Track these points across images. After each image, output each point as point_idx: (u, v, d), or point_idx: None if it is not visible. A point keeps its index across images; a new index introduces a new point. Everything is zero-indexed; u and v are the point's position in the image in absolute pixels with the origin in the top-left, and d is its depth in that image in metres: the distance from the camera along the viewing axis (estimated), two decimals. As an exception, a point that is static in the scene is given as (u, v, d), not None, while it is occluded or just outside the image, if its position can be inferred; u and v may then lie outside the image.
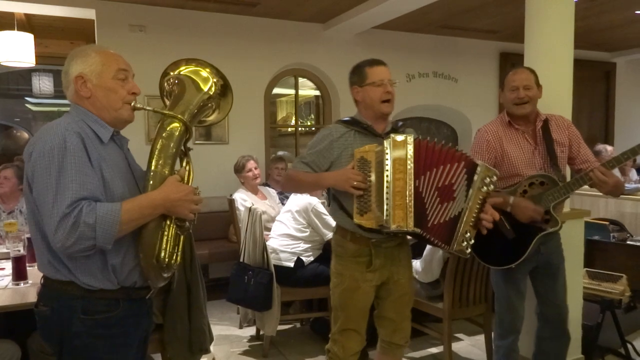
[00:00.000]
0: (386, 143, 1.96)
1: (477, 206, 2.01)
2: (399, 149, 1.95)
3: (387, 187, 1.93)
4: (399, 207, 1.93)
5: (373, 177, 2.02)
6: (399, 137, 1.97)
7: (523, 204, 2.30)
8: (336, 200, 2.20)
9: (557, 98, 2.86)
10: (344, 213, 2.16)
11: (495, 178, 2.04)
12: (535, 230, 2.31)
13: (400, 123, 2.28)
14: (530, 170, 2.39)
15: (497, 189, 2.40)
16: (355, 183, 2.01)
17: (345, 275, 2.19)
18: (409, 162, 1.94)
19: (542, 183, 2.33)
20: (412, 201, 1.93)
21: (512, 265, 2.34)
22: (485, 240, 2.41)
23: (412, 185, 1.94)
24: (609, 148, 5.59)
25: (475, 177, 2.00)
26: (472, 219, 2.01)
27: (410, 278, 2.30)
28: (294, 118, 5.94)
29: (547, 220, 2.30)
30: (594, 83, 7.07)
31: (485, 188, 2.01)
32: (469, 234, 2.01)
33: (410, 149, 1.95)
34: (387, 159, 1.94)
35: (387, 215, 1.93)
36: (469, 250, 2.02)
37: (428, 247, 3.03)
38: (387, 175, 1.94)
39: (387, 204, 1.93)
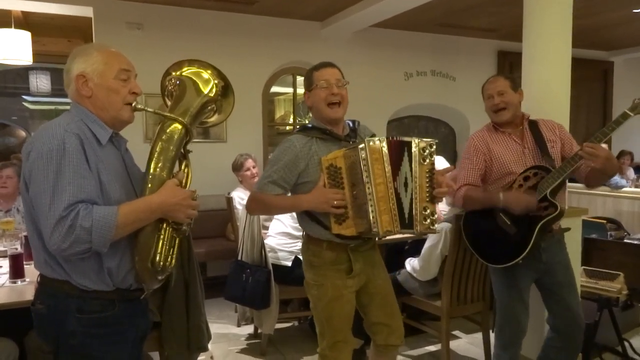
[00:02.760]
0: (363, 150, 1.92)
1: (427, 180, 1.95)
2: (376, 154, 1.92)
3: (369, 194, 1.91)
4: (385, 212, 1.92)
5: (346, 184, 1.99)
6: (375, 142, 1.93)
7: (513, 195, 2.30)
8: (307, 214, 2.11)
9: (554, 97, 2.87)
10: (319, 225, 2.08)
11: (434, 147, 1.96)
12: (535, 219, 2.29)
13: (357, 122, 2.21)
14: (521, 167, 2.39)
15: (492, 189, 2.42)
16: (335, 202, 1.98)
17: (326, 285, 2.10)
18: (386, 165, 1.92)
19: (535, 174, 2.33)
20: (395, 203, 1.93)
21: (519, 259, 2.30)
22: (487, 240, 2.41)
23: (392, 187, 1.93)
24: (604, 146, 5.61)
25: (413, 152, 1.94)
26: (427, 195, 1.96)
27: (386, 277, 2.27)
28: (291, 116, 5.94)
29: (546, 207, 2.30)
30: (592, 82, 7.08)
31: (427, 160, 1.96)
32: (428, 210, 1.96)
33: (385, 152, 1.92)
34: (365, 165, 1.91)
35: (374, 222, 1.91)
36: (435, 226, 1.98)
37: (426, 245, 3.04)
38: (367, 182, 1.91)
39: (372, 211, 1.90)
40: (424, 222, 1.96)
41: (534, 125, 2.45)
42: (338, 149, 2.04)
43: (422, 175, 1.95)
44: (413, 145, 1.95)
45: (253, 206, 2.16)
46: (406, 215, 1.96)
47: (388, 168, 1.92)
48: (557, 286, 2.43)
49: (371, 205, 1.91)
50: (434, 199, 1.97)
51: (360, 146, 1.92)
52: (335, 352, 2.14)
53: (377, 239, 2.04)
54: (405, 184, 1.96)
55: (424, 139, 1.97)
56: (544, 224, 2.28)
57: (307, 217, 2.12)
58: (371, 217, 1.91)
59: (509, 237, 2.34)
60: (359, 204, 1.95)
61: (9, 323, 2.33)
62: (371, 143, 1.92)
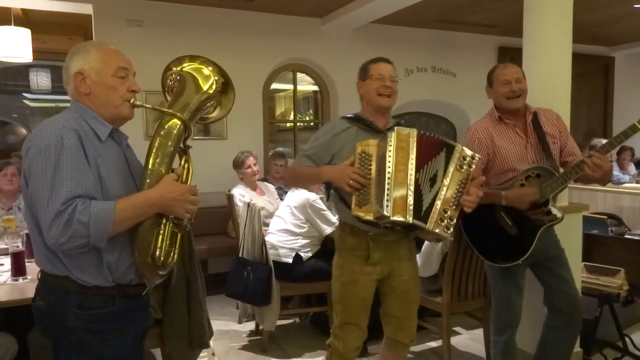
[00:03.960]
0: (390, 135, 2.00)
1: (457, 186, 2.01)
2: (403, 142, 2.00)
3: (388, 178, 1.96)
4: (400, 199, 1.95)
5: (374, 171, 2.04)
6: (404, 131, 2.01)
7: (517, 192, 2.30)
8: (337, 191, 2.23)
9: (555, 92, 2.87)
10: (344, 204, 2.18)
11: (476, 159, 2.05)
12: (537, 224, 2.31)
13: (403, 121, 2.29)
14: (523, 164, 2.39)
15: (492, 187, 2.42)
16: (351, 181, 2.02)
17: (344, 268, 2.22)
18: (411, 155, 1.98)
19: (538, 175, 2.33)
20: (412, 194, 1.96)
21: (519, 261, 2.33)
22: (487, 238, 2.41)
23: (413, 178, 1.97)
24: (604, 142, 5.62)
25: (453, 156, 2.03)
26: (453, 199, 2.00)
27: (414, 275, 2.28)
28: (292, 113, 5.94)
29: (548, 213, 2.30)
30: (593, 77, 7.06)
31: (465, 167, 2.02)
32: (448, 212, 1.99)
33: (413, 143, 2.00)
34: (390, 151, 1.98)
35: (387, 206, 1.94)
36: (450, 230, 1.99)
37: (426, 242, 3.04)
38: (389, 167, 1.97)
39: (387, 195, 1.95)
40: (439, 222, 1.99)
41: (535, 119, 2.45)
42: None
43: (455, 180, 2.02)
44: (456, 150, 2.04)
45: (287, 175, 2.42)
46: (423, 208, 1.99)
47: (413, 158, 1.98)
48: (550, 262, 2.47)
49: (387, 189, 1.95)
50: (458, 206, 2.01)
51: (391, 132, 2.01)
52: (344, 332, 2.22)
53: (388, 227, 2.05)
54: (433, 180, 2.01)
55: (468, 150, 2.07)
56: (545, 228, 2.30)
57: (337, 196, 2.23)
58: (385, 199, 1.94)
59: (509, 237, 2.35)
60: (381, 190, 1.98)
61: (12, 319, 2.35)
62: (400, 131, 2.01)
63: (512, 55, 6.23)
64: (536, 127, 2.42)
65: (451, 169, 2.02)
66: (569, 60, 2.95)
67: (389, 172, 1.96)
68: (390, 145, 1.98)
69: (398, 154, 1.98)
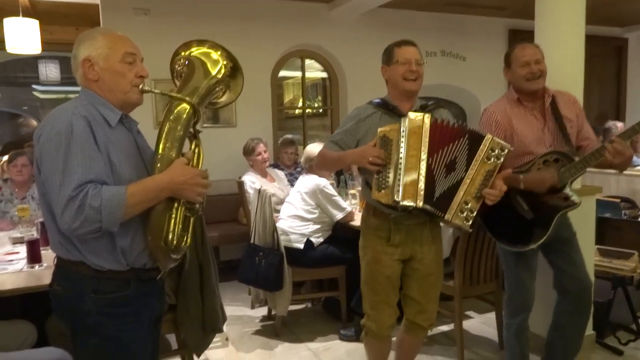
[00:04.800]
0: (404, 121, 2.01)
1: (482, 178, 1.99)
2: (415, 127, 2.00)
3: (400, 162, 1.98)
4: (411, 184, 1.97)
5: (394, 155, 2.04)
6: (417, 115, 2.01)
7: (536, 176, 2.27)
8: (362, 174, 2.30)
9: (568, 75, 2.82)
10: (368, 188, 2.21)
11: (505, 151, 2.00)
12: (554, 209, 2.29)
13: (431, 102, 2.28)
14: (540, 148, 2.36)
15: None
16: (371, 159, 2.03)
17: (368, 248, 2.27)
18: (424, 139, 1.98)
19: (556, 160, 2.30)
20: (424, 178, 1.96)
21: (534, 246, 2.32)
22: (502, 222, 2.39)
23: (425, 163, 1.97)
24: (619, 124, 5.54)
25: (481, 147, 2.00)
26: (475, 190, 1.99)
27: (436, 260, 2.29)
28: (300, 100, 5.92)
29: (566, 198, 2.28)
30: (605, 59, 6.94)
31: (492, 160, 1.99)
32: (469, 204, 1.98)
33: (426, 128, 1.99)
34: (402, 136, 1.99)
35: (397, 191, 1.97)
36: (470, 222, 1.99)
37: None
38: (401, 152, 1.98)
39: (398, 180, 1.97)
40: (459, 214, 1.99)
41: (553, 102, 2.40)
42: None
43: (481, 172, 1.99)
44: (486, 140, 2.00)
45: (317, 160, 2.49)
46: (435, 194, 1.99)
47: (425, 143, 1.98)
48: (562, 244, 2.45)
49: (399, 174, 1.97)
50: (480, 198, 1.99)
51: (403, 117, 2.02)
52: (376, 311, 2.27)
53: (406, 211, 2.05)
54: (450, 167, 2.00)
55: (499, 140, 2.02)
56: (562, 214, 2.28)
57: (364, 180, 2.30)
58: (396, 184, 1.97)
59: (524, 221, 2.33)
60: (395, 175, 2.00)
61: (30, 307, 2.39)
62: (413, 116, 2.01)
63: (522, 38, 6.11)
64: (554, 110, 2.39)
65: (477, 159, 1.99)
66: (581, 42, 2.89)
67: (401, 158, 1.98)
68: (403, 131, 2.00)
69: (410, 139, 1.99)
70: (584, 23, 2.89)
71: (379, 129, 2.09)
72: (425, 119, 2.00)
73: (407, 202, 1.97)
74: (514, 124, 2.38)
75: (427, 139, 1.99)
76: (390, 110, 2.20)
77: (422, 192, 1.96)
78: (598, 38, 6.51)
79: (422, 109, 2.20)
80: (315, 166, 2.51)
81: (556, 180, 2.25)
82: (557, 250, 2.47)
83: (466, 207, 1.98)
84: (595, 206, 3.09)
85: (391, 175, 2.03)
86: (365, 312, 2.33)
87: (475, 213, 1.99)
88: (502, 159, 1.99)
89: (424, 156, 1.98)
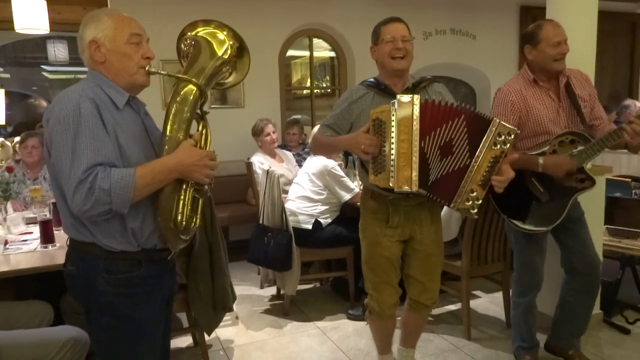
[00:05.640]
0: (392, 103, 1.96)
1: (488, 165, 1.92)
2: (405, 110, 1.94)
3: (392, 148, 1.95)
4: (404, 169, 1.94)
5: (387, 137, 2.00)
6: (405, 98, 1.94)
7: (556, 160, 2.26)
8: (360, 161, 2.25)
9: (580, 53, 2.77)
10: (364, 171, 2.19)
11: (512, 136, 1.91)
12: (570, 190, 2.28)
13: (428, 76, 2.24)
14: (556, 128, 2.34)
15: (524, 151, 2.36)
16: (363, 147, 2.00)
17: (367, 230, 2.27)
18: (414, 123, 1.94)
19: (572, 141, 2.28)
20: (417, 163, 1.94)
21: (549, 227, 2.32)
22: (516, 203, 2.36)
23: (418, 146, 1.94)
24: (638, 104, 5.46)
25: (487, 133, 1.91)
26: (481, 178, 1.94)
27: (436, 240, 2.28)
28: (308, 80, 5.88)
29: (582, 180, 2.27)
30: (618, 36, 6.80)
31: (498, 146, 1.91)
32: (475, 193, 1.95)
33: (416, 110, 1.93)
34: (392, 120, 1.95)
35: (392, 177, 1.95)
36: (475, 210, 1.97)
37: (445, 207, 3.03)
38: (392, 137, 1.95)
39: (392, 166, 1.95)
40: (465, 203, 1.97)
41: (568, 82, 2.38)
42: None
43: (486, 159, 1.92)
44: (492, 126, 1.90)
45: (313, 144, 2.43)
46: (430, 177, 1.97)
47: (417, 125, 1.93)
48: (572, 222, 2.44)
49: (392, 160, 1.95)
50: (486, 185, 1.94)
51: (393, 101, 1.96)
52: (377, 291, 2.30)
53: (400, 194, 2.04)
54: (446, 148, 1.94)
55: (506, 124, 1.92)
56: (577, 195, 2.28)
57: (359, 163, 2.27)
58: (390, 171, 1.96)
59: (539, 202, 2.32)
60: (389, 160, 1.98)
61: (45, 287, 2.44)
62: (402, 99, 1.94)
63: (534, 14, 6.03)
64: (568, 90, 2.36)
65: (484, 145, 1.91)
66: (594, 18, 2.84)
67: (392, 142, 1.95)
68: (393, 115, 1.94)
69: (401, 122, 1.94)
70: (597, -2, 2.83)
71: (371, 111, 2.05)
72: (414, 100, 1.93)
73: (403, 188, 1.96)
74: (531, 103, 2.34)
75: (417, 122, 1.93)
76: (382, 90, 2.17)
77: (415, 178, 1.94)
78: (611, 14, 6.37)
79: (414, 87, 2.16)
80: (313, 151, 2.48)
81: (574, 166, 2.24)
82: (567, 229, 2.46)
83: (472, 195, 1.95)
84: (605, 185, 3.07)
85: (387, 158, 2.00)
86: (367, 292, 2.35)
87: (480, 200, 1.96)
88: (508, 145, 1.91)
89: (415, 140, 1.93)
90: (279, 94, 5.27)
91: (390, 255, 2.24)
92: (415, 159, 1.94)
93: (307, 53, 5.69)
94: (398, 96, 1.96)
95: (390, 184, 1.96)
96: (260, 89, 5.02)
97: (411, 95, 1.96)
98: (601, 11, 2.93)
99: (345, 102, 2.22)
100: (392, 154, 1.95)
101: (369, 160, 2.05)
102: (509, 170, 1.95)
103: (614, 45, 6.70)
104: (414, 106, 1.94)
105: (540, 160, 2.26)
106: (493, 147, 1.92)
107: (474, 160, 1.93)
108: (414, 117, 1.93)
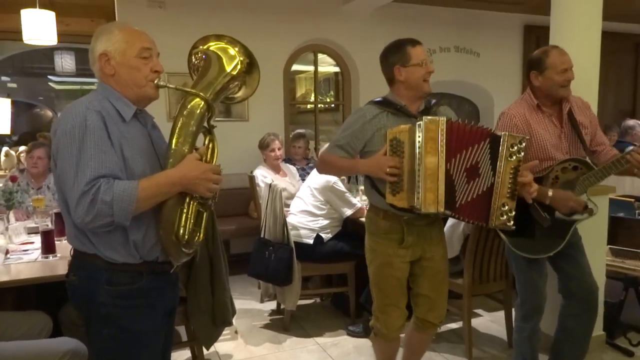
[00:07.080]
0: (418, 125, 1.97)
1: (510, 176, 1.99)
2: (431, 131, 1.95)
3: (418, 169, 1.95)
4: (430, 190, 1.95)
5: (406, 158, 2.01)
6: (432, 119, 1.97)
7: (564, 195, 2.26)
8: (368, 179, 2.22)
9: (583, 73, 2.78)
10: (376, 192, 2.17)
11: (523, 144, 1.99)
12: (572, 217, 2.28)
13: (434, 101, 2.25)
14: (558, 154, 2.34)
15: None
16: (388, 170, 2.01)
17: (379, 252, 2.23)
18: (440, 144, 1.95)
19: (575, 167, 2.29)
20: (444, 184, 1.95)
21: (550, 254, 2.32)
22: (518, 228, 2.36)
23: (444, 167, 1.95)
24: None
25: (501, 148, 1.98)
26: (508, 191, 1.99)
27: (444, 256, 2.29)
28: (313, 95, 5.92)
29: (585, 207, 2.27)
30: (622, 56, 6.84)
31: (514, 157, 1.98)
32: (506, 206, 2.00)
33: (442, 131, 1.95)
34: (418, 141, 1.95)
35: (417, 199, 1.96)
36: (512, 222, 2.01)
37: (448, 223, 3.02)
38: (418, 158, 1.95)
39: (418, 187, 1.95)
40: (500, 218, 2.00)
41: (569, 108, 2.39)
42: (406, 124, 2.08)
43: (507, 171, 1.99)
44: (503, 140, 1.98)
45: (321, 165, 2.36)
46: (457, 199, 1.99)
47: (442, 148, 1.94)
48: (570, 248, 2.42)
49: (419, 181, 1.96)
50: (514, 195, 2.00)
51: (419, 123, 1.97)
52: (385, 314, 2.27)
53: (420, 214, 2.05)
54: (472, 171, 1.99)
55: (515, 135, 2.01)
56: (578, 222, 2.28)
57: (368, 184, 2.23)
58: (416, 193, 1.96)
59: (540, 227, 2.31)
60: (414, 178, 1.99)
61: (44, 297, 2.43)
62: (427, 121, 1.96)
63: (538, 34, 6.07)
64: (571, 117, 2.37)
65: (501, 159, 1.98)
66: (598, 38, 2.86)
67: (418, 164, 1.95)
68: (419, 137, 1.95)
69: (427, 144, 1.95)
70: (600, 19, 2.85)
71: (389, 130, 2.06)
72: (440, 121, 1.96)
73: (430, 210, 1.96)
74: (534, 128, 2.35)
75: (444, 144, 1.95)
76: (398, 110, 2.15)
77: (442, 198, 1.95)
78: (615, 34, 6.40)
79: (427, 108, 2.18)
80: (318, 171, 2.46)
81: (580, 207, 2.26)
82: (565, 255, 2.44)
83: (504, 209, 2.00)
84: (609, 205, 3.06)
85: (405, 178, 2.01)
86: (374, 313, 2.32)
87: (514, 212, 2.00)
88: (522, 153, 1.99)
89: (442, 161, 1.95)
90: (283, 108, 5.29)
91: (400, 277, 2.22)
92: (442, 180, 1.95)
93: (311, 68, 5.73)
94: (425, 118, 1.97)
95: (416, 205, 1.96)
96: (264, 102, 5.04)
97: (439, 118, 1.98)
98: (605, 31, 2.94)
99: (359, 122, 2.17)
100: (419, 175, 1.95)
101: (383, 177, 2.05)
102: (530, 175, 2.07)
103: (618, 65, 6.74)
104: (440, 127, 1.95)
105: (550, 192, 2.26)
106: (509, 159, 1.99)
107: (496, 176, 1.99)
108: (440, 138, 1.95)
